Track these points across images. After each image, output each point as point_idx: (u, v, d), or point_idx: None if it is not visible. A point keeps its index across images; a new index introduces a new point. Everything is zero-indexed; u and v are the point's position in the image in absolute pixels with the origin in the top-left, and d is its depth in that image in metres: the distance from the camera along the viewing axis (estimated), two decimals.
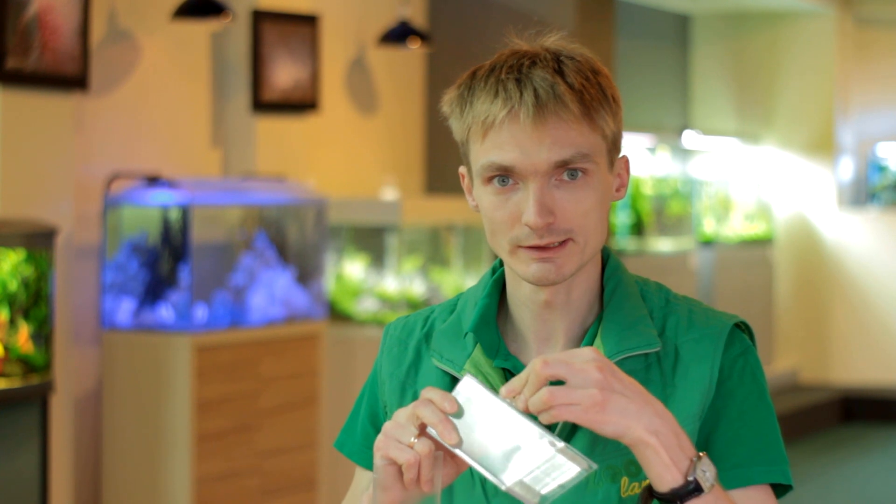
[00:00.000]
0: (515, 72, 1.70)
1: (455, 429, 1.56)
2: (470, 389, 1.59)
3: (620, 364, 1.74)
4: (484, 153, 1.71)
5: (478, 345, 1.79)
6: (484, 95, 1.71)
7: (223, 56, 6.58)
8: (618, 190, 1.79)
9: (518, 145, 1.69)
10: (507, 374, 1.77)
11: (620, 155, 1.78)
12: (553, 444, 1.55)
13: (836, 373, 10.14)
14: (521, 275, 1.73)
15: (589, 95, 1.70)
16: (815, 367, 10.19)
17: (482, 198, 1.74)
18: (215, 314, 5.86)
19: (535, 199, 1.69)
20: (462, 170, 1.81)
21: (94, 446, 5.87)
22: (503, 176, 1.71)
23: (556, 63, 1.71)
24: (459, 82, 1.75)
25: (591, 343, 1.77)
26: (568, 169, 1.70)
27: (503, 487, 1.55)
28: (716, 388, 1.75)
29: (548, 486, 1.55)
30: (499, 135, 1.70)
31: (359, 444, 1.89)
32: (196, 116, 6.46)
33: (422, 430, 1.58)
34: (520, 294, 1.79)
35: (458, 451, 1.57)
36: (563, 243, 1.70)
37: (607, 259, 1.82)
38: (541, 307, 1.77)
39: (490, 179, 1.72)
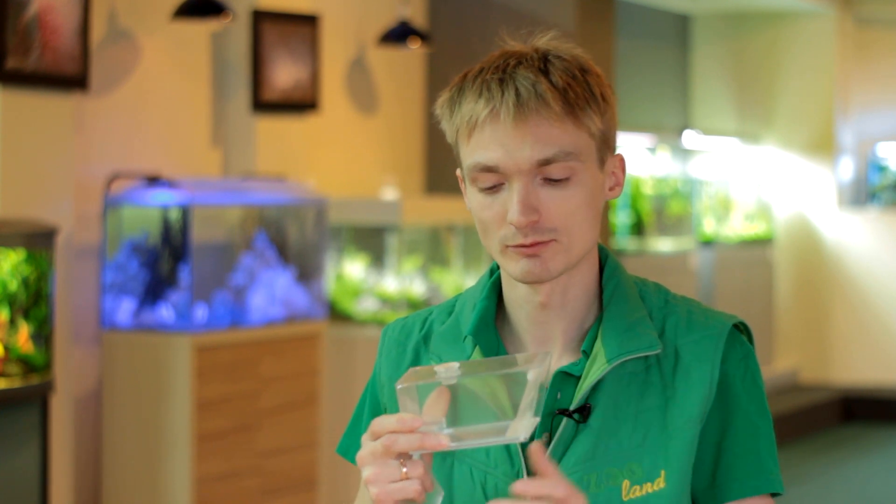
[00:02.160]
0: (500, 72, 1.70)
1: (438, 434, 1.58)
2: (409, 392, 1.60)
3: (621, 366, 1.74)
4: (470, 154, 1.72)
5: (477, 347, 1.79)
6: (470, 96, 1.71)
7: (223, 56, 6.58)
8: (612, 189, 1.78)
9: (501, 145, 1.69)
10: None
11: (615, 153, 1.78)
12: (524, 374, 1.57)
13: (836, 373, 10.13)
14: (511, 273, 1.73)
15: (574, 94, 1.69)
16: (815, 367, 10.18)
17: (472, 198, 1.75)
18: (215, 314, 5.86)
19: (518, 198, 1.69)
20: (458, 171, 1.81)
21: (94, 446, 5.87)
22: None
23: (543, 62, 1.71)
24: (451, 85, 1.76)
25: (591, 345, 1.76)
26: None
27: (521, 440, 1.56)
28: (717, 392, 1.74)
29: (535, 400, 1.57)
30: (482, 135, 1.70)
31: None
32: (196, 116, 6.46)
33: (401, 455, 1.59)
34: (515, 296, 1.78)
35: (454, 447, 1.58)
36: (547, 242, 1.70)
37: (605, 260, 1.82)
38: (536, 309, 1.77)
39: (477, 180, 1.73)
